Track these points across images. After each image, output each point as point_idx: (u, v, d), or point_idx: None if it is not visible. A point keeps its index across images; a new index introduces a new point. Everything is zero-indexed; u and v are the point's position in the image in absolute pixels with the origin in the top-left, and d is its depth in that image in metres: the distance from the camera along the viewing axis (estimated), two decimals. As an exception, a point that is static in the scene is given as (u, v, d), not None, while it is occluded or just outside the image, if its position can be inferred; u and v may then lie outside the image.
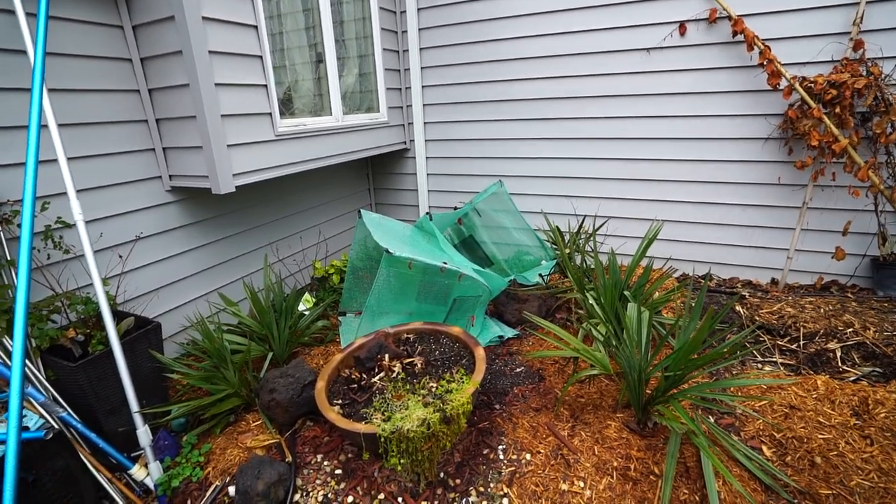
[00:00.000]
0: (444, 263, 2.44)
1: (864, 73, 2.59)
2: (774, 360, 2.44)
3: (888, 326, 2.47)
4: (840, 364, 2.32)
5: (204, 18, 2.26)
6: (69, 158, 2.10)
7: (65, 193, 2.12)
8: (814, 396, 2.06)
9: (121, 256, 2.38)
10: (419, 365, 2.10)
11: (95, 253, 2.21)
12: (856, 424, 1.88)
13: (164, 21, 2.24)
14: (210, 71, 2.30)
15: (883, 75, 2.59)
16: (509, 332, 2.76)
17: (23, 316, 1.52)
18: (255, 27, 2.56)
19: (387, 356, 2.12)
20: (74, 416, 1.88)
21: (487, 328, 2.76)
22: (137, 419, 1.92)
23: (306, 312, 2.91)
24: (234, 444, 2.07)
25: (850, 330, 2.49)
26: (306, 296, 3.14)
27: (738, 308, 2.84)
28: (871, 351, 2.33)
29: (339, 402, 1.96)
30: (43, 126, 1.86)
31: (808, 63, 2.80)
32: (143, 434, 1.91)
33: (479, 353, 2.04)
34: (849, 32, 2.66)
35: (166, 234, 2.63)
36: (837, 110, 2.66)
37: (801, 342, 2.49)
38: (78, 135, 2.20)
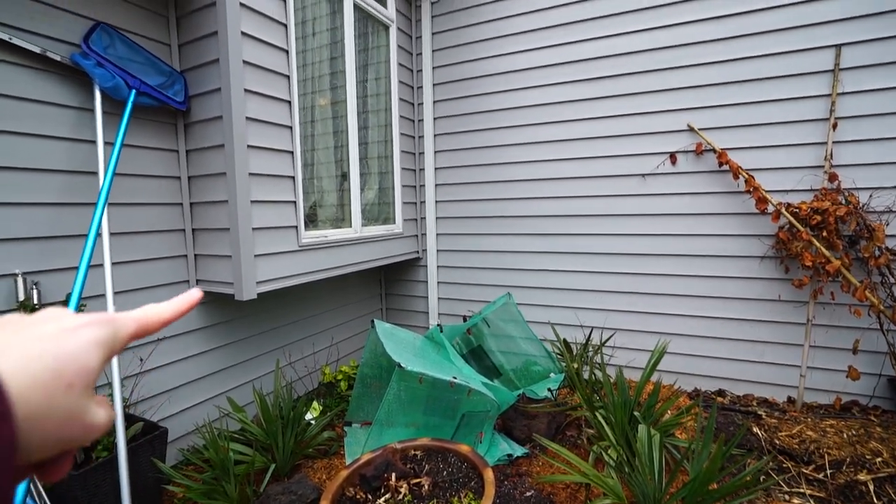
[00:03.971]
0: (454, 378, 2.45)
1: (843, 201, 2.81)
2: (802, 490, 2.30)
3: (917, 456, 2.36)
4: (875, 500, 2.18)
5: (249, 146, 2.59)
6: (113, 263, 2.29)
7: (100, 296, 2.26)
8: (849, 536, 1.91)
9: (141, 359, 2.44)
10: (427, 486, 2.02)
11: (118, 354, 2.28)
12: (899, 572, 1.72)
13: (214, 147, 2.58)
14: (248, 190, 2.57)
15: (861, 204, 2.80)
16: (518, 451, 2.65)
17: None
18: (291, 153, 2.91)
19: (394, 475, 2.04)
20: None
21: (496, 445, 2.67)
22: (128, 538, 1.83)
23: (312, 422, 2.86)
24: (224, 570, 1.93)
25: (879, 459, 2.37)
26: (314, 404, 3.10)
27: (755, 430, 2.74)
28: (903, 484, 2.20)
29: (341, 524, 1.86)
30: (97, 235, 2.06)
31: (790, 191, 3.04)
32: (132, 556, 1.81)
33: (489, 476, 1.96)
34: (822, 166, 2.94)
35: (184, 336, 2.71)
36: (825, 234, 2.82)
37: (829, 471, 2.37)
38: (123, 242, 2.40)
